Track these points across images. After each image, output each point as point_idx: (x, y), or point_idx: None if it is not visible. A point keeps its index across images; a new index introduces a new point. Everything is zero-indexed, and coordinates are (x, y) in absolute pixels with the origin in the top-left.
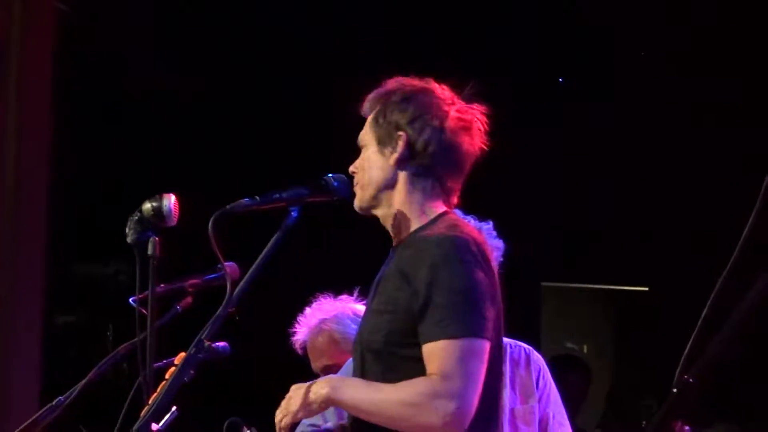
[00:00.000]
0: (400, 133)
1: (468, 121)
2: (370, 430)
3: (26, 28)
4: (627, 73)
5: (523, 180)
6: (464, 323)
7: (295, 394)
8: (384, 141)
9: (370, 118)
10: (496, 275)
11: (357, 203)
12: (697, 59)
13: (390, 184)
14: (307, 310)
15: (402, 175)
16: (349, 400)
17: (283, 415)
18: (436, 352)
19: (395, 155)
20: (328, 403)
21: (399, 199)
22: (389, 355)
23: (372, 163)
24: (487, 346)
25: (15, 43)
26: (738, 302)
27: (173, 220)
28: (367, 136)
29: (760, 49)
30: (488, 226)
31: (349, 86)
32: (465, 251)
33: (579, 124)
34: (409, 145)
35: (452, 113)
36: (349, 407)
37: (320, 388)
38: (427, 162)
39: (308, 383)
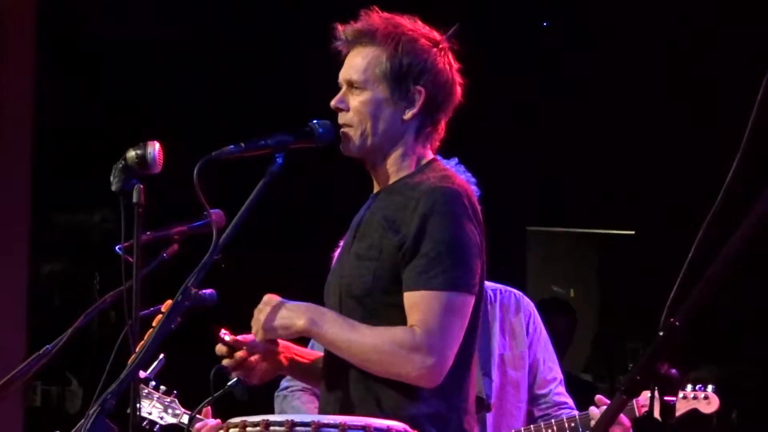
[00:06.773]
0: (420, 89)
1: (458, 65)
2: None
3: None
4: (606, 17)
5: (508, 124)
6: (449, 276)
7: (271, 309)
8: (399, 94)
9: (367, 57)
10: (483, 228)
11: (352, 150)
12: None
13: (396, 137)
14: None
15: (409, 129)
16: (325, 335)
17: (257, 329)
18: (417, 303)
19: (412, 111)
20: (302, 334)
21: (397, 149)
22: (371, 301)
23: (380, 113)
24: (470, 300)
25: None
26: (722, 246)
27: (158, 168)
28: (368, 77)
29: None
30: (453, 163)
31: (327, 28)
32: (456, 203)
33: (560, 68)
34: (425, 102)
35: (449, 59)
36: (324, 342)
37: (297, 317)
38: (435, 114)
39: (284, 302)
